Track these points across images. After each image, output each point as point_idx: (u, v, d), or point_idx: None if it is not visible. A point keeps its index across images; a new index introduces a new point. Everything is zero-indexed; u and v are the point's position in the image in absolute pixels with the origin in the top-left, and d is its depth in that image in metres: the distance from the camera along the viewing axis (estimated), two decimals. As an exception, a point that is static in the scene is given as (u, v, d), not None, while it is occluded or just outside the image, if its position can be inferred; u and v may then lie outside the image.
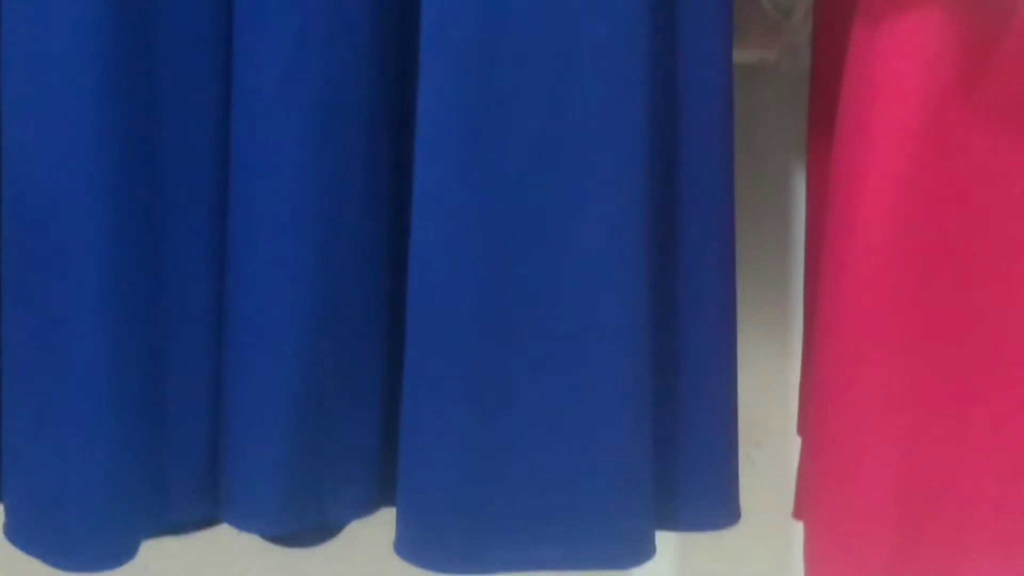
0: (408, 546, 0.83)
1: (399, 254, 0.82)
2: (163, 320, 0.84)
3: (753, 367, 1.06)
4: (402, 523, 0.84)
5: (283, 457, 0.82)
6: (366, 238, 0.83)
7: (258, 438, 0.82)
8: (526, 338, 0.81)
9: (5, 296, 0.82)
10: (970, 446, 0.89)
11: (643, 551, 0.85)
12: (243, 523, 0.86)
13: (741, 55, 1.06)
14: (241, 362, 0.82)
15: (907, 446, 0.88)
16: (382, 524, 0.88)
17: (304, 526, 0.87)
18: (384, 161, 0.83)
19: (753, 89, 1.04)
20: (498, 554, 0.83)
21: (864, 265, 0.83)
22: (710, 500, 0.91)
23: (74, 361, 0.81)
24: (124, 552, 0.84)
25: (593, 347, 0.81)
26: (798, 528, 0.93)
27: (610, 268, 0.80)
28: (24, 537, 0.84)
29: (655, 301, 0.83)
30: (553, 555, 0.84)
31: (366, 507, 0.89)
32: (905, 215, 0.82)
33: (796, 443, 0.97)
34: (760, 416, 1.14)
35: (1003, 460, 0.89)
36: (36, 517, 0.84)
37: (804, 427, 0.95)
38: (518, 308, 0.80)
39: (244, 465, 0.84)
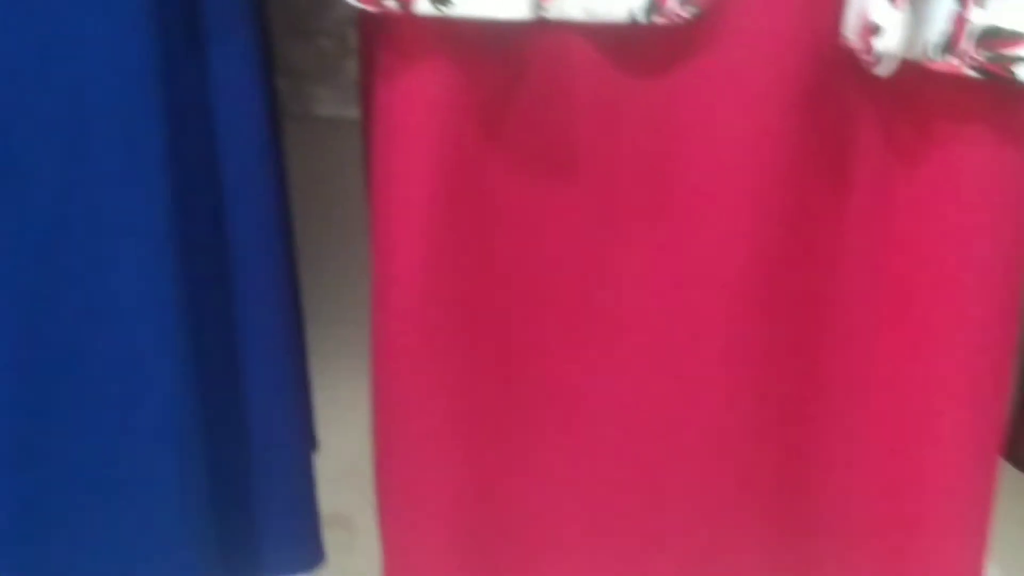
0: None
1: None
2: None
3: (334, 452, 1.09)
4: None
5: None
6: None
7: None
8: (66, 400, 0.81)
9: None
10: (528, 478, 0.92)
11: None
12: None
13: (326, 110, 1.10)
14: None
15: (466, 483, 0.91)
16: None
17: None
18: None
19: (338, 142, 1.07)
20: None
21: (401, 309, 0.86)
22: (291, 545, 0.92)
23: None
24: None
25: (134, 402, 0.82)
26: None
27: (144, 324, 0.81)
28: None
29: (202, 355, 0.84)
30: None
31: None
32: (434, 258, 0.85)
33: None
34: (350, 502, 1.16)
35: (560, 489, 0.93)
36: None
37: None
38: (52, 369, 0.80)
39: None
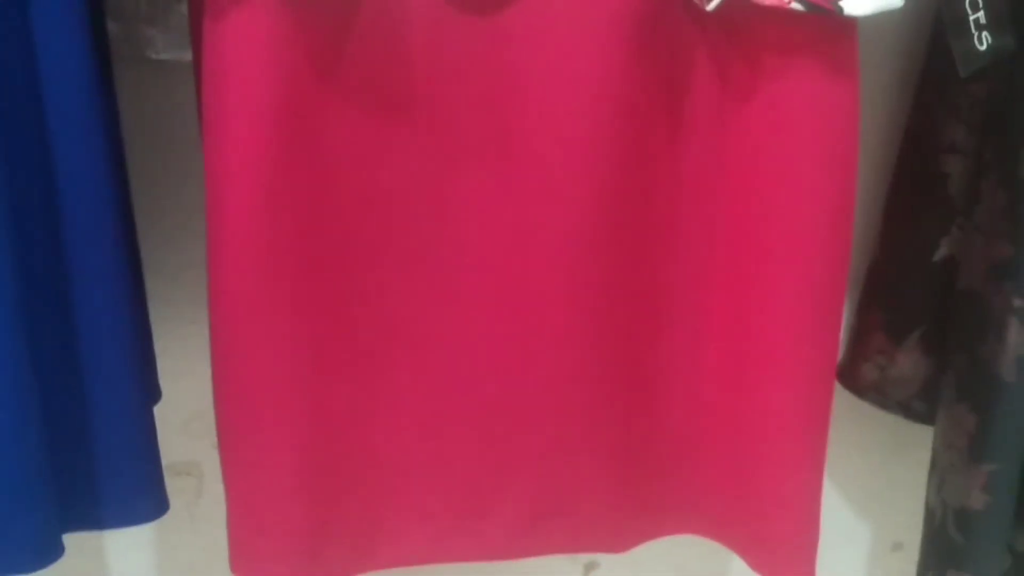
0: None
1: None
2: None
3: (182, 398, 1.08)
4: None
5: None
6: None
7: None
8: None
9: None
10: (373, 420, 0.92)
11: (49, 553, 0.85)
12: None
13: (160, 53, 1.07)
14: None
15: (310, 426, 0.90)
16: None
17: None
18: None
19: (173, 87, 1.04)
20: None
21: (235, 251, 0.84)
22: (133, 497, 0.91)
23: None
24: None
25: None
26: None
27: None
28: None
29: (34, 307, 0.82)
30: None
31: None
32: (268, 199, 0.83)
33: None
34: (199, 448, 1.15)
35: (407, 431, 0.93)
36: None
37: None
38: None
39: None
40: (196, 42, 0.88)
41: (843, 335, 1.19)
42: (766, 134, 0.89)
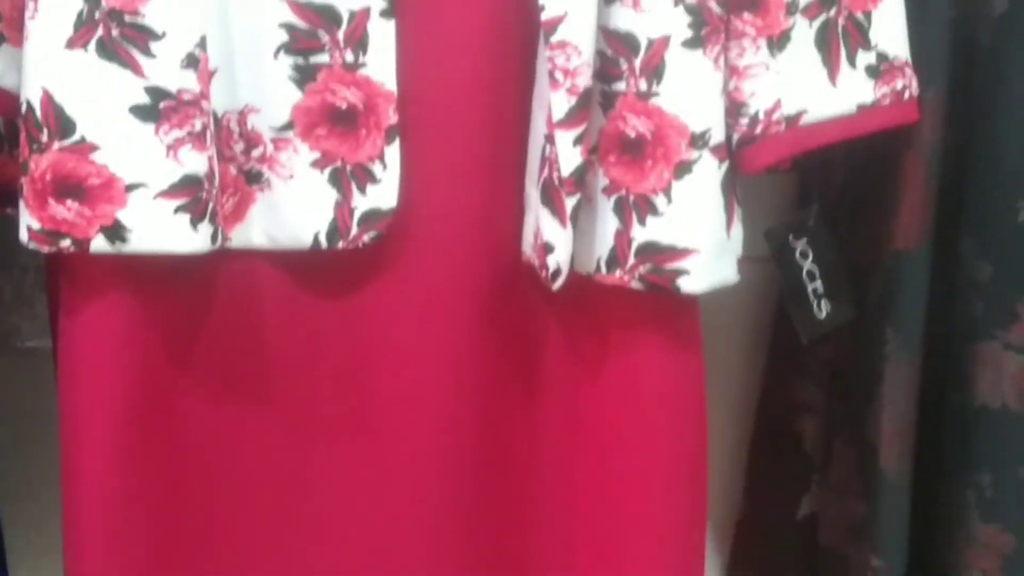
0: None
1: None
2: None
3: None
4: None
5: None
6: None
7: None
8: None
9: None
10: None
11: None
12: None
13: (24, 341, 1.08)
14: None
15: None
16: None
17: None
18: None
19: (38, 372, 1.05)
20: None
21: (90, 546, 0.84)
22: None
23: None
24: None
25: None
26: None
27: None
28: None
29: None
30: None
31: None
32: (122, 488, 0.84)
33: None
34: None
35: None
36: None
37: None
38: None
39: None
40: (55, 332, 0.89)
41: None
42: (616, 402, 0.92)
